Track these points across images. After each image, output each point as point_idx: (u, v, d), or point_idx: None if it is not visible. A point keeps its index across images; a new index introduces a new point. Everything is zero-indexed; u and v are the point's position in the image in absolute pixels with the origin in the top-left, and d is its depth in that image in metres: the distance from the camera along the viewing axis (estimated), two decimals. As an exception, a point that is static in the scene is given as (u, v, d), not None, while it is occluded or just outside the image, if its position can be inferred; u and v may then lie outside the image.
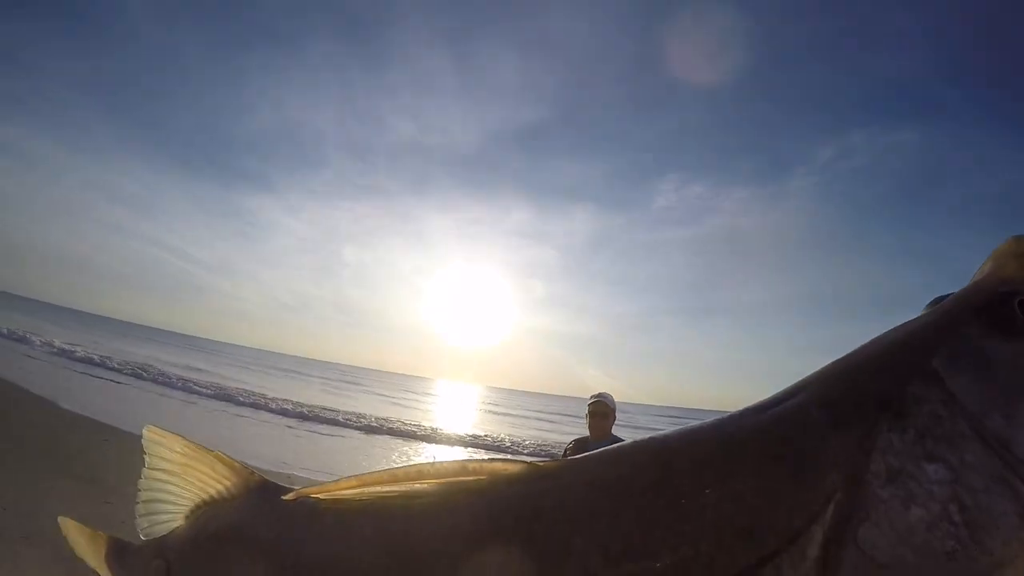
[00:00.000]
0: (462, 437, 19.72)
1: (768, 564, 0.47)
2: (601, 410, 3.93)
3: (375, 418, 20.09)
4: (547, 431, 26.72)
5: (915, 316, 0.61)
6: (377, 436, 16.94)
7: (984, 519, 0.46)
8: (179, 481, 0.86)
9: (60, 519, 1.04)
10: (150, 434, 0.90)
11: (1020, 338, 0.51)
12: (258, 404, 18.04)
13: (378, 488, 0.64)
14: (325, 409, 19.74)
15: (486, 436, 20.99)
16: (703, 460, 0.54)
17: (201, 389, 18.89)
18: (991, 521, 0.46)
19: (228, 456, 0.88)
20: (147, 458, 0.90)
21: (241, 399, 18.23)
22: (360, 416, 19.74)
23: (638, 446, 0.60)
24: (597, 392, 4.07)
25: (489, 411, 42.06)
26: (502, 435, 21.84)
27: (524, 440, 20.84)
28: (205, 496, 0.85)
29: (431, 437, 18.34)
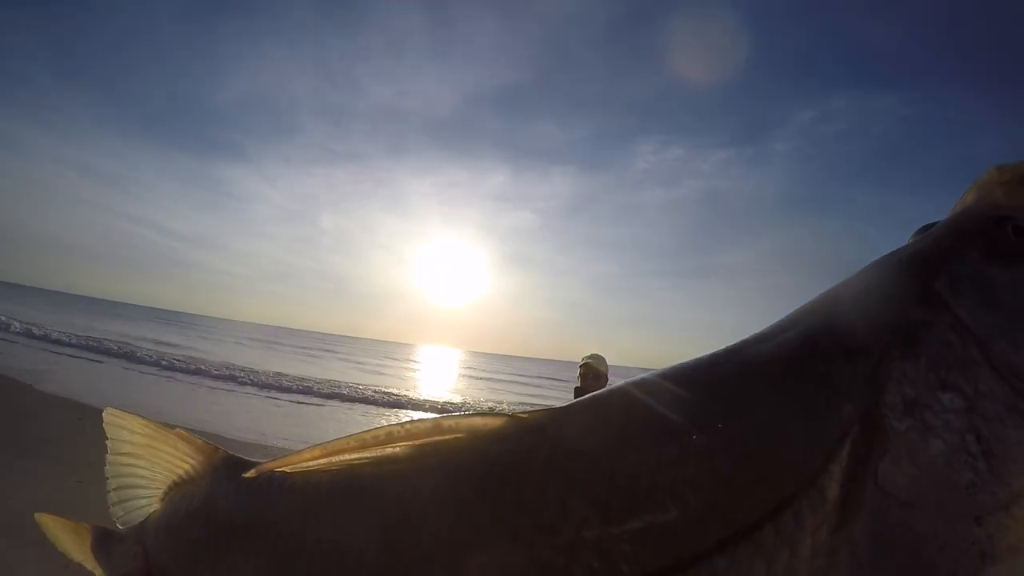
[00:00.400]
0: (441, 403, 19.94)
1: (787, 509, 0.43)
2: (593, 371, 3.70)
3: (350, 385, 20.24)
4: (529, 395, 26.95)
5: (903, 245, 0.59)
6: (356, 404, 17.15)
7: (1000, 449, 0.44)
8: (145, 463, 0.84)
9: (36, 516, 1.01)
10: (109, 416, 0.87)
11: (1018, 263, 0.50)
12: (236, 377, 18.12)
13: (346, 456, 0.60)
14: (304, 379, 19.88)
15: (465, 402, 21.38)
16: (704, 400, 0.50)
17: (178, 363, 18.92)
18: (1007, 451, 0.44)
19: (189, 432, 0.87)
20: (109, 442, 0.87)
21: (217, 372, 18.29)
22: (337, 384, 19.91)
23: (627, 390, 0.54)
24: (589, 353, 3.84)
25: (470, 376, 42.32)
26: (482, 400, 22.09)
27: (504, 405, 21.14)
28: (175, 477, 0.83)
29: (409, 404, 18.52)
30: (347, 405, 16.82)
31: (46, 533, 1.01)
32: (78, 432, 6.97)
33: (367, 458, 0.59)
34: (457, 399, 22.30)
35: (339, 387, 19.54)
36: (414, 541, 0.54)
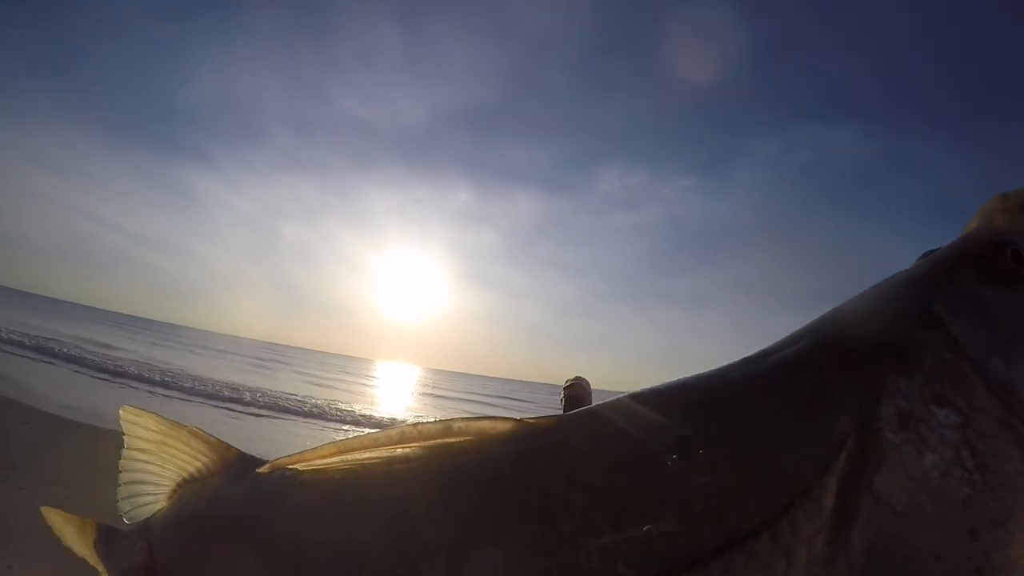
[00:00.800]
0: (397, 420, 19.71)
1: (783, 518, 0.44)
2: (578, 394, 3.69)
3: (302, 399, 19.86)
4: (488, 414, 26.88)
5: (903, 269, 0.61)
6: (309, 419, 16.94)
7: (995, 463, 0.45)
8: (157, 460, 0.85)
9: (43, 509, 1.01)
10: (126, 414, 0.88)
11: (1014, 286, 0.52)
12: (178, 384, 17.77)
13: (358, 454, 0.61)
14: (256, 391, 19.58)
15: (421, 420, 21.34)
16: (705, 412, 0.51)
17: (130, 369, 18.49)
18: (1001, 466, 0.45)
19: (204, 431, 0.88)
20: (125, 439, 0.88)
21: (158, 379, 17.93)
22: (290, 397, 19.51)
23: (631, 401, 0.56)
24: (574, 376, 3.87)
25: (426, 393, 41.84)
26: (439, 417, 22.18)
27: None
28: (184, 474, 0.84)
29: (364, 420, 18.30)
30: (299, 419, 16.50)
31: (52, 527, 1.02)
32: (23, 436, 6.86)
33: (379, 457, 0.60)
34: (412, 416, 22.22)
35: (291, 400, 19.19)
36: (419, 539, 0.54)
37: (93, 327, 43.12)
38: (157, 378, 18.02)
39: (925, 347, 0.48)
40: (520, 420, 0.57)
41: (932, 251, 0.63)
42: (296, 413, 17.69)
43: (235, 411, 15.73)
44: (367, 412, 20.69)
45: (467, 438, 0.56)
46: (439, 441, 0.57)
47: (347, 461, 0.61)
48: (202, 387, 17.97)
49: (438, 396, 38.96)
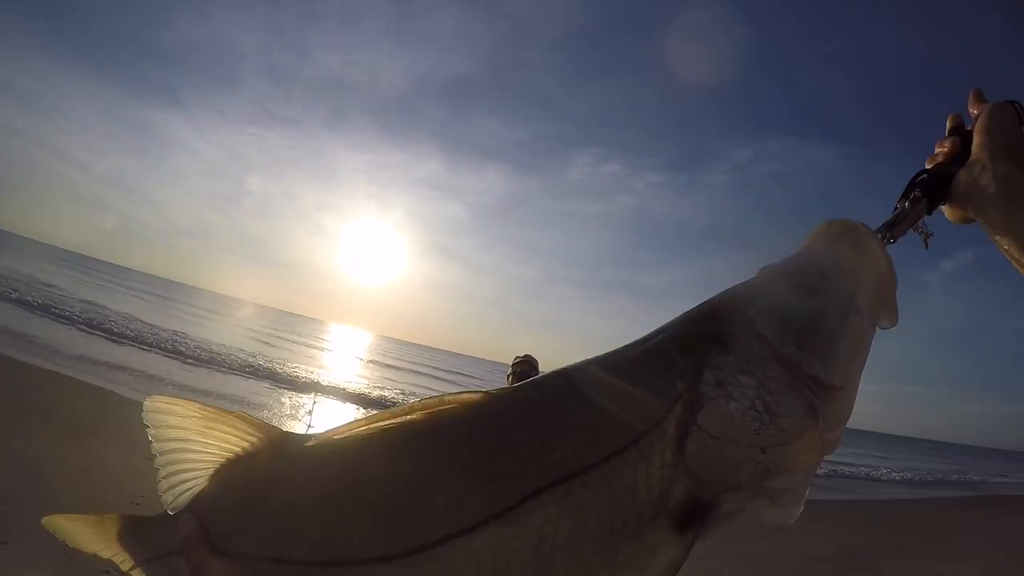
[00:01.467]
0: (346, 390, 19.90)
1: (644, 438, 0.66)
2: (526, 371, 3.87)
3: (244, 357, 19.76)
4: (433, 389, 26.83)
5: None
6: (257, 379, 16.83)
7: (779, 409, 0.66)
8: (197, 446, 0.85)
9: (44, 520, 0.94)
10: (155, 404, 0.86)
11: (812, 296, 0.72)
12: (115, 329, 17.39)
13: (381, 424, 0.76)
14: (193, 340, 19.28)
15: (368, 391, 21.19)
16: (593, 378, 0.72)
17: (77, 315, 17.94)
18: (783, 411, 0.66)
19: (250, 415, 0.91)
20: (153, 431, 0.86)
21: (117, 329, 17.52)
22: (232, 350, 19.36)
23: (553, 373, 0.76)
24: (522, 354, 4.05)
25: (377, 361, 40.86)
26: (394, 393, 21.72)
27: (405, 396, 21.13)
28: (229, 454, 0.87)
29: (307, 385, 18.26)
30: (238, 376, 16.52)
31: (59, 536, 0.95)
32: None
33: (395, 424, 0.76)
34: (357, 385, 22.17)
35: (231, 356, 19.02)
36: (422, 484, 0.72)
37: (39, 264, 41.15)
38: (101, 323, 17.47)
39: (739, 338, 0.70)
40: (488, 392, 0.76)
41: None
42: (234, 369, 17.56)
43: (171, 358, 15.51)
44: (311, 377, 20.45)
45: (454, 406, 0.74)
46: (435, 409, 0.75)
47: (373, 429, 0.76)
48: (151, 335, 17.63)
49: (389, 366, 38.52)
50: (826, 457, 0.73)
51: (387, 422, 0.76)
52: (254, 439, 0.84)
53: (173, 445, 0.86)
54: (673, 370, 0.69)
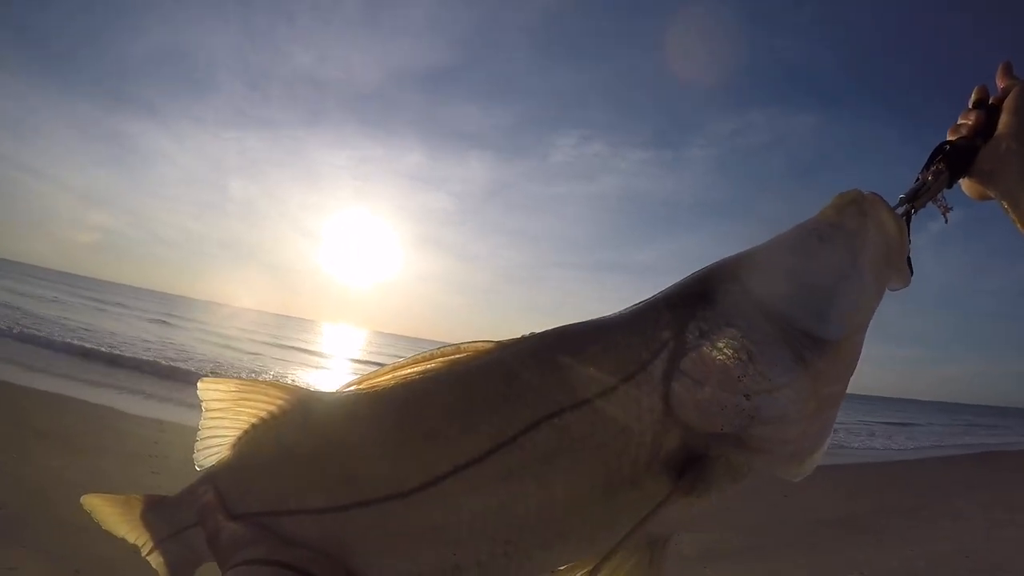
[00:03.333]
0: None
1: (632, 379, 0.69)
2: None
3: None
4: None
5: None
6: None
7: (762, 358, 0.68)
8: (231, 415, 0.90)
9: (83, 498, 1.00)
10: (202, 384, 0.92)
11: (805, 256, 0.74)
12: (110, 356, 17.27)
13: (403, 371, 0.80)
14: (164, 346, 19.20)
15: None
16: (590, 328, 0.77)
17: (74, 340, 17.77)
18: (767, 359, 0.68)
19: (279, 382, 0.92)
20: (203, 409, 0.91)
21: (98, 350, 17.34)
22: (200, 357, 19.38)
23: (557, 327, 0.80)
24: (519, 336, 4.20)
25: (370, 361, 41.47)
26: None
27: None
28: (255, 420, 0.89)
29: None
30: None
31: (92, 512, 0.99)
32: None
33: (416, 371, 0.80)
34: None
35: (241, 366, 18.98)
36: (434, 420, 0.76)
37: (21, 286, 40.60)
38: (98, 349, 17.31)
39: (727, 294, 0.73)
40: (498, 341, 0.80)
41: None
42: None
43: (165, 375, 15.47)
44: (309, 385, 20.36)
45: (468, 354, 0.80)
46: (452, 357, 0.80)
47: (394, 377, 0.81)
48: (143, 348, 17.46)
49: (383, 362, 38.16)
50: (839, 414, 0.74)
51: (408, 369, 0.80)
52: (281, 402, 0.88)
53: (211, 419, 0.91)
54: (660, 322, 0.73)
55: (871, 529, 7.82)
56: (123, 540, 0.98)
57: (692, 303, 0.73)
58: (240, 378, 0.93)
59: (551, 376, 0.74)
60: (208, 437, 0.91)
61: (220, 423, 0.91)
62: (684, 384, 0.69)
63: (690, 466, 0.69)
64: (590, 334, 0.76)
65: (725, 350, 0.69)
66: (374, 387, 0.82)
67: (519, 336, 0.82)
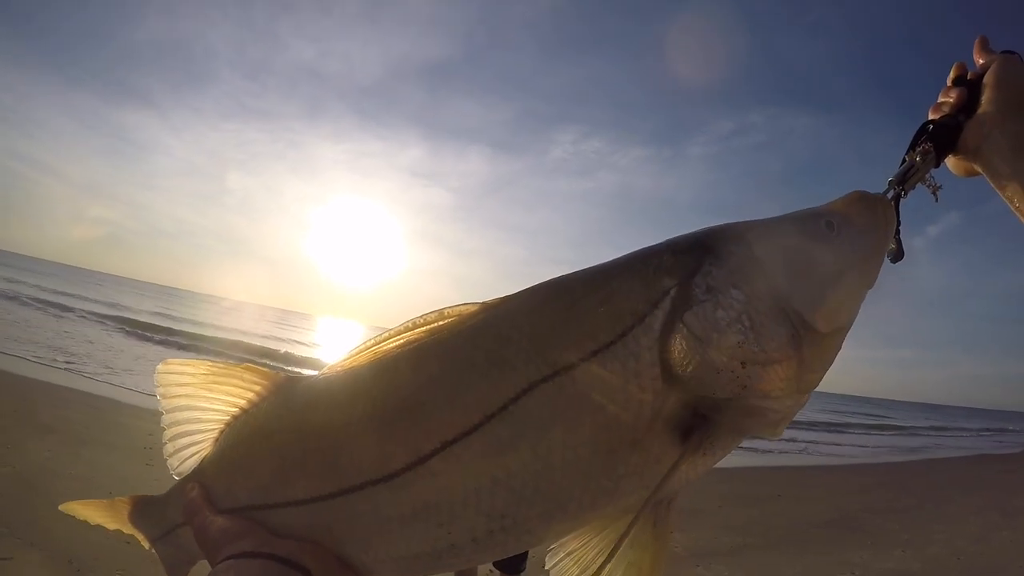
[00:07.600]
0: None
1: (629, 333, 0.65)
2: None
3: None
4: None
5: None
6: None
7: (764, 330, 0.65)
8: (203, 404, 0.84)
9: (61, 507, 0.95)
10: (166, 367, 0.85)
11: (811, 241, 0.72)
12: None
13: (384, 345, 0.77)
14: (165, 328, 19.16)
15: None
16: (584, 278, 0.73)
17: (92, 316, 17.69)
18: (768, 332, 0.65)
19: (257, 365, 0.86)
20: (160, 396, 0.85)
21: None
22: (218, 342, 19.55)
23: (548, 281, 0.76)
24: None
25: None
26: None
27: None
28: (235, 410, 0.84)
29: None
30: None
31: (79, 518, 0.96)
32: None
33: (398, 343, 0.77)
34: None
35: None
36: (419, 394, 0.72)
37: (22, 276, 40.53)
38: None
39: (733, 254, 0.69)
40: (483, 303, 0.76)
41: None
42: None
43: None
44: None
45: (453, 319, 0.75)
46: (434, 324, 0.76)
47: (375, 352, 0.77)
48: (142, 338, 17.44)
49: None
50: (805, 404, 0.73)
51: (390, 342, 0.77)
52: (259, 388, 0.83)
53: (179, 405, 0.85)
54: (662, 268, 0.69)
55: (865, 530, 7.85)
56: (116, 531, 0.96)
57: (699, 255, 0.70)
58: (209, 361, 0.86)
59: (542, 336, 0.69)
60: (179, 435, 0.85)
61: (190, 415, 0.85)
62: (685, 338, 0.65)
63: (697, 425, 0.66)
64: (585, 284, 0.72)
65: (730, 311, 0.66)
66: (354, 366, 0.78)
67: (509, 294, 0.77)
